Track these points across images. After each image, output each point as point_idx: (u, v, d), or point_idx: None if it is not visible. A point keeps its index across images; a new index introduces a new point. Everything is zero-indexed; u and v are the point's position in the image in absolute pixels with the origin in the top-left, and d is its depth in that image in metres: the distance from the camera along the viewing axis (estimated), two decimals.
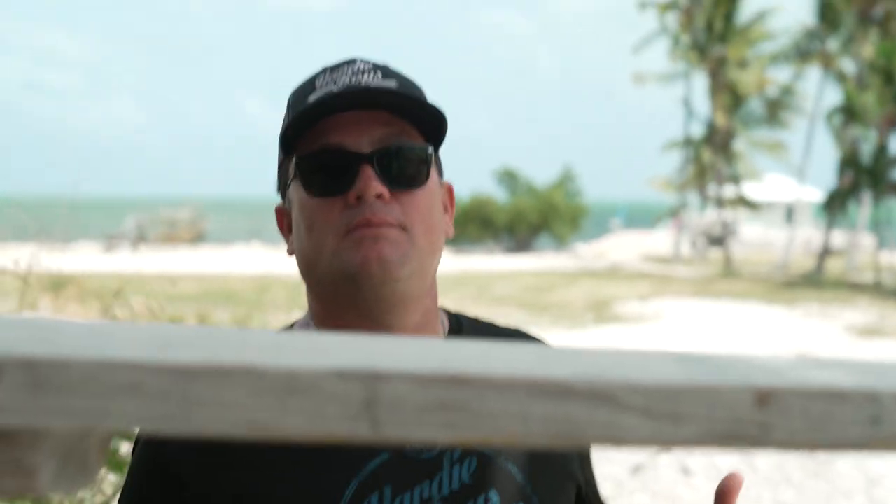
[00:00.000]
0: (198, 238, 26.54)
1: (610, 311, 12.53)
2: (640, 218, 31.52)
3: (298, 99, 0.78)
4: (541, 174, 30.63)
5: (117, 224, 25.34)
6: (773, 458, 5.34)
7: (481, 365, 0.32)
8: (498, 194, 26.65)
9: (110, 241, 23.11)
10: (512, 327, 0.93)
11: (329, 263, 0.74)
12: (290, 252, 0.82)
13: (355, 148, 0.74)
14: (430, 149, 0.79)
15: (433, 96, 0.82)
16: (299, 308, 1.08)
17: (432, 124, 0.78)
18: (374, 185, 0.73)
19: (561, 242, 26.09)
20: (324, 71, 0.79)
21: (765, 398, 0.32)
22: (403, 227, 0.74)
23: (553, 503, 0.79)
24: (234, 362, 0.30)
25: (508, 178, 27.18)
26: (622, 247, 25.79)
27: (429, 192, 0.78)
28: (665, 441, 0.32)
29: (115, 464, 2.37)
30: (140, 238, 23.99)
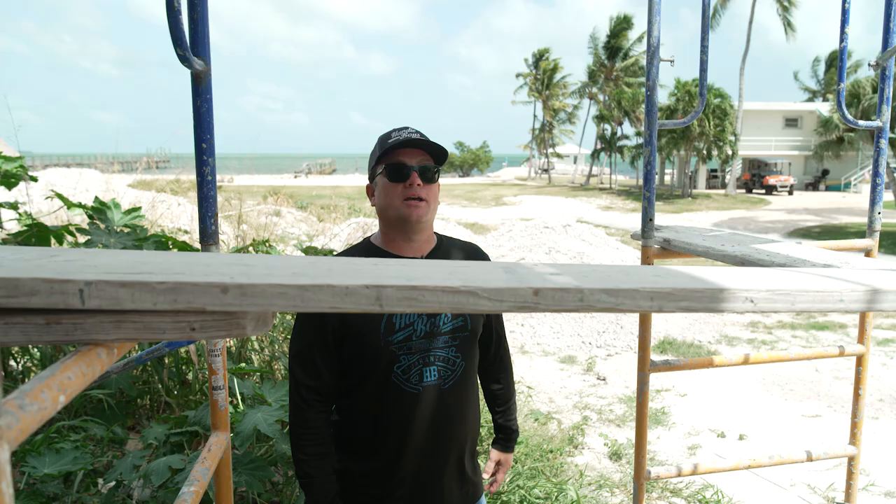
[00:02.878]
0: (332, 171, 60.58)
1: (501, 200, 31.52)
2: (514, 161, 71.49)
3: (384, 140, 1.64)
4: (475, 143, 63.71)
5: (297, 166, 59.14)
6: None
7: (423, 280, 0.78)
8: (455, 151, 60.95)
9: (296, 172, 53.60)
10: (471, 243, 1.83)
11: (396, 212, 1.61)
12: (373, 205, 1.69)
13: (410, 164, 1.61)
14: (438, 168, 1.65)
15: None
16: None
17: (440, 156, 1.65)
18: (417, 180, 1.60)
19: (481, 172, 61.58)
20: (396, 129, 1.67)
21: (537, 292, 0.78)
22: (426, 201, 1.61)
23: (475, 323, 1.68)
24: (320, 282, 0.75)
25: (460, 145, 63.34)
26: (506, 174, 60.29)
27: (437, 186, 1.67)
28: (497, 309, 0.79)
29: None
30: (309, 171, 55.49)
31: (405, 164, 1.59)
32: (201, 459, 1.21)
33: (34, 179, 3.33)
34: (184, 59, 1.15)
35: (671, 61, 1.91)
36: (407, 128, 1.64)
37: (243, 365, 2.80)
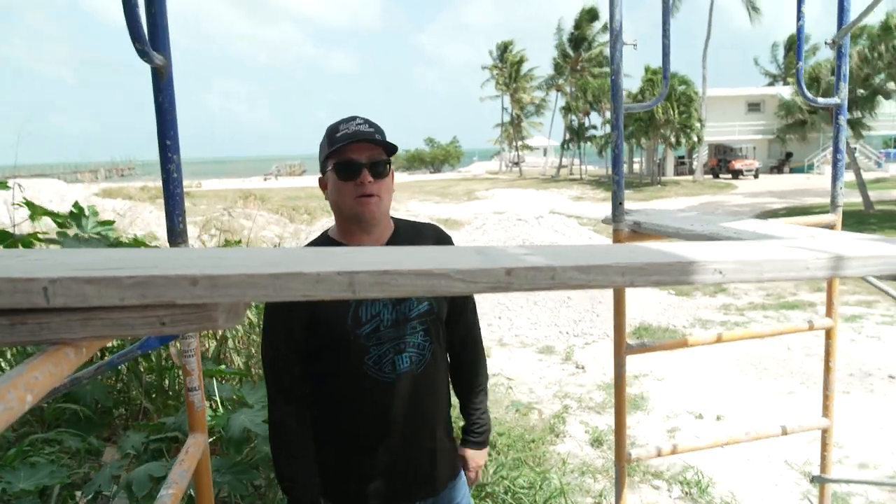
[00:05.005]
0: (302, 172, 61.44)
1: (473, 195, 31.04)
2: (484, 155, 71.61)
3: (332, 133, 1.60)
4: (445, 139, 65.20)
5: (266, 168, 60.55)
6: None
7: (395, 264, 0.78)
8: (425, 148, 62.29)
9: (265, 175, 53.51)
10: (428, 222, 1.83)
11: (349, 209, 1.59)
12: (327, 198, 1.66)
13: (359, 160, 1.58)
14: (389, 160, 1.63)
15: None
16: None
17: (390, 149, 1.62)
18: (367, 177, 1.58)
19: (452, 168, 60.80)
20: (343, 120, 1.62)
21: (510, 272, 0.79)
22: (378, 196, 1.60)
23: (440, 306, 1.71)
24: (292, 270, 0.74)
25: (430, 141, 63.23)
26: (477, 169, 58.76)
27: (389, 179, 1.65)
28: (471, 290, 0.79)
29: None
30: (279, 174, 56.10)
31: (354, 161, 1.56)
32: (179, 462, 1.19)
33: (4, 186, 3.24)
34: (143, 54, 1.13)
35: (634, 45, 1.92)
36: (355, 118, 1.60)
37: (223, 367, 2.76)
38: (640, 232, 1.96)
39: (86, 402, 2.94)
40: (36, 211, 3.24)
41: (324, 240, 1.70)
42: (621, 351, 2.05)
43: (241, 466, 2.24)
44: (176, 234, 1.26)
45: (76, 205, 3.39)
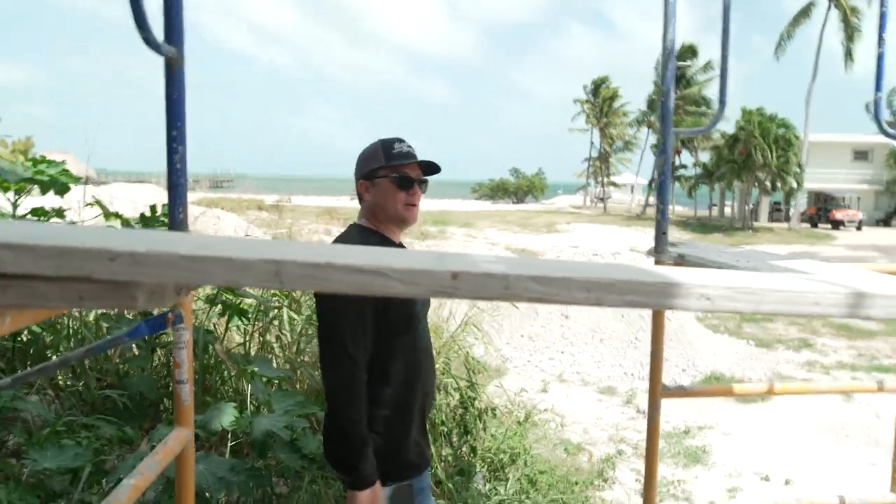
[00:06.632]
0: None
1: (554, 227, 29.75)
2: (569, 189, 67.31)
3: (388, 149, 1.88)
4: (530, 170, 65.41)
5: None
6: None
7: (328, 257, 0.72)
8: (510, 178, 61.47)
9: (352, 195, 60.13)
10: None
11: (396, 212, 1.87)
12: (363, 200, 1.92)
13: (413, 176, 1.88)
14: (428, 180, 1.95)
15: None
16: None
17: (431, 171, 1.94)
18: (417, 191, 1.89)
19: (536, 199, 59.11)
20: (395, 139, 1.90)
21: (456, 275, 0.71)
22: (418, 206, 1.91)
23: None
24: (217, 255, 0.69)
25: (515, 172, 62.21)
26: (561, 202, 56.68)
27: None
28: (411, 293, 0.72)
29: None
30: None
31: (410, 177, 1.88)
32: (153, 453, 1.17)
33: (75, 180, 3.42)
34: (148, 42, 1.13)
35: (688, 66, 1.80)
36: (403, 140, 1.92)
37: (254, 369, 2.77)
38: (683, 265, 1.82)
39: (131, 393, 3.03)
40: (106, 212, 3.39)
41: (358, 231, 1.91)
42: (656, 392, 1.91)
43: (256, 471, 2.21)
44: (176, 225, 1.25)
45: (152, 208, 3.52)
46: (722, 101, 1.85)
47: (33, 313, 0.77)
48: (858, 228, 32.69)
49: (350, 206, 36.05)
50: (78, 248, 0.67)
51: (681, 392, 1.93)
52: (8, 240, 0.67)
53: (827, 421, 5.95)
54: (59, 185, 3.51)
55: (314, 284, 0.70)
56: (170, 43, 1.23)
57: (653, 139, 43.34)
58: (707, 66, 38.58)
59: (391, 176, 1.86)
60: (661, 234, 1.88)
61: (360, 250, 0.79)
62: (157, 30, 1.18)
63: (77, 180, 3.47)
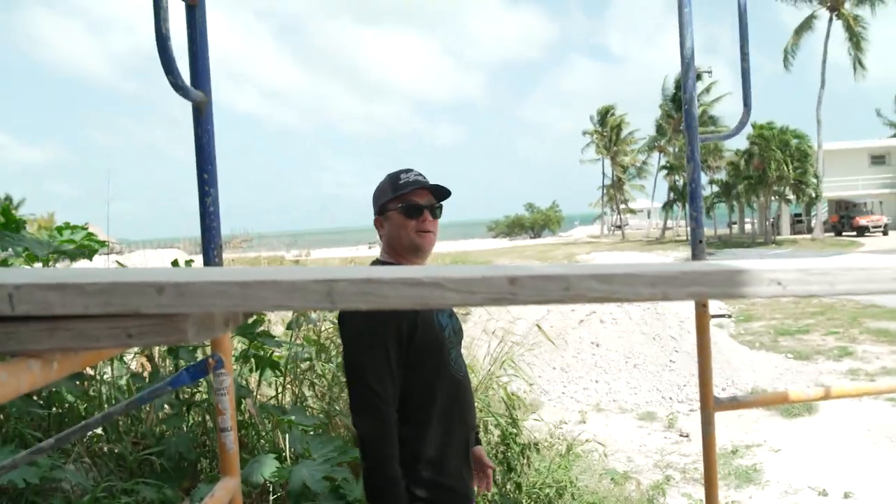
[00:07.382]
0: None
1: (574, 258, 29.70)
2: (586, 220, 71.54)
3: (395, 181, 1.89)
4: (545, 203, 66.33)
5: (371, 237, 61.82)
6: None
7: (379, 272, 0.69)
8: (525, 213, 62.04)
9: (370, 244, 46.17)
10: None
11: (410, 241, 1.86)
12: (381, 235, 1.94)
13: (422, 203, 1.87)
14: (441, 205, 1.93)
15: None
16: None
17: (444, 195, 1.92)
18: (427, 217, 1.87)
19: (553, 232, 60.12)
20: (402, 171, 1.92)
21: (513, 280, 0.68)
22: (433, 232, 1.89)
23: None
24: (263, 279, 0.67)
25: (530, 206, 63.04)
26: (578, 233, 57.66)
27: (438, 220, 1.93)
28: (468, 302, 0.69)
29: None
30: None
31: (419, 204, 1.88)
32: None
33: (101, 244, 3.47)
34: (177, 87, 1.14)
35: (708, 72, 1.79)
36: (412, 170, 1.94)
37: (291, 418, 2.73)
38: None
39: (169, 454, 2.99)
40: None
41: (379, 265, 1.84)
42: (708, 405, 1.83)
43: None
44: (210, 265, 1.24)
45: (174, 262, 3.56)
46: (746, 105, 1.82)
47: (80, 357, 0.75)
48: (885, 233, 32.11)
49: (368, 254, 36.22)
50: (124, 282, 0.66)
51: (735, 404, 1.85)
52: (52, 280, 0.66)
53: (880, 428, 5.73)
54: (87, 250, 3.56)
55: (368, 301, 0.67)
56: (196, 87, 1.24)
57: (663, 162, 43.43)
58: (709, 88, 38.69)
59: (399, 206, 1.87)
60: (697, 242, 1.84)
61: (406, 267, 0.76)
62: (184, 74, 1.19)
63: (103, 244, 3.52)
